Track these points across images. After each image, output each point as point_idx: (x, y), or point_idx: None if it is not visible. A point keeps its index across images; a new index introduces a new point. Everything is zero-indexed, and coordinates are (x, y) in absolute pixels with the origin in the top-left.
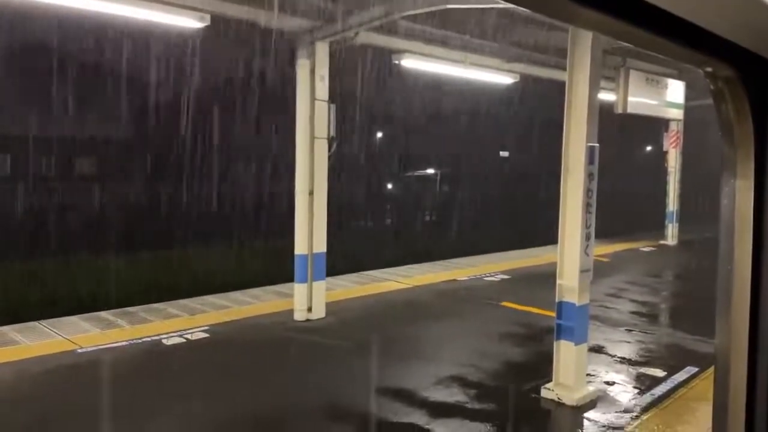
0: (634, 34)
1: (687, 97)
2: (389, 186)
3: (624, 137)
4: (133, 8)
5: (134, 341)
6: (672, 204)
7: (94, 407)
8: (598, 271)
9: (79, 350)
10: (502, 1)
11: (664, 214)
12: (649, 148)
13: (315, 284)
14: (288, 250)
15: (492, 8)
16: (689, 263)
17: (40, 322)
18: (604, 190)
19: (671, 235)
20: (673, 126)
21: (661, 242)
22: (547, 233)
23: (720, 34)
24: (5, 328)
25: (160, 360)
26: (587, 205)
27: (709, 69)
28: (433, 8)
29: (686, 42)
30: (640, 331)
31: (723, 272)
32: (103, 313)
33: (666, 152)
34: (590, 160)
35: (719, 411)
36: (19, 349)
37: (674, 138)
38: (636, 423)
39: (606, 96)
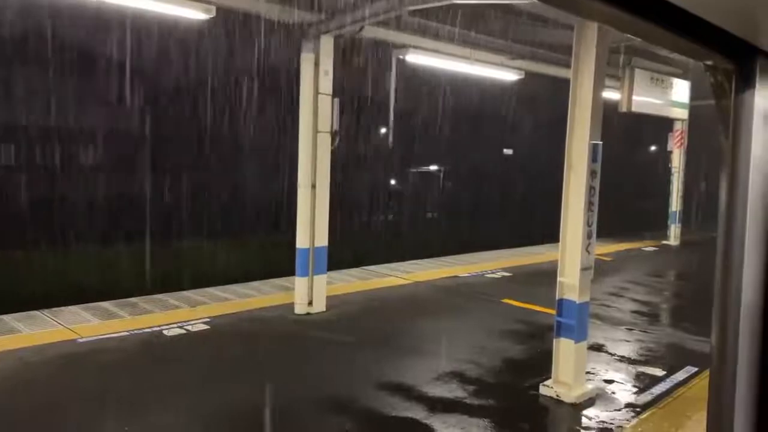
0: (635, 25)
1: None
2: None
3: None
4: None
5: (135, 332)
6: (675, 204)
7: (93, 397)
8: (600, 270)
9: (80, 340)
10: None
11: (667, 214)
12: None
13: (316, 278)
14: None
15: (497, 4)
16: (690, 264)
17: (42, 311)
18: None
19: (674, 235)
20: (677, 125)
21: (664, 242)
22: None
23: (719, 25)
24: (5, 317)
25: (161, 351)
26: (589, 203)
27: (709, 62)
28: (438, 3)
29: (686, 33)
30: (640, 330)
31: (721, 267)
32: (104, 303)
33: (670, 152)
34: (593, 158)
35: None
36: (19, 338)
37: (679, 138)
38: (634, 421)
39: (611, 94)
